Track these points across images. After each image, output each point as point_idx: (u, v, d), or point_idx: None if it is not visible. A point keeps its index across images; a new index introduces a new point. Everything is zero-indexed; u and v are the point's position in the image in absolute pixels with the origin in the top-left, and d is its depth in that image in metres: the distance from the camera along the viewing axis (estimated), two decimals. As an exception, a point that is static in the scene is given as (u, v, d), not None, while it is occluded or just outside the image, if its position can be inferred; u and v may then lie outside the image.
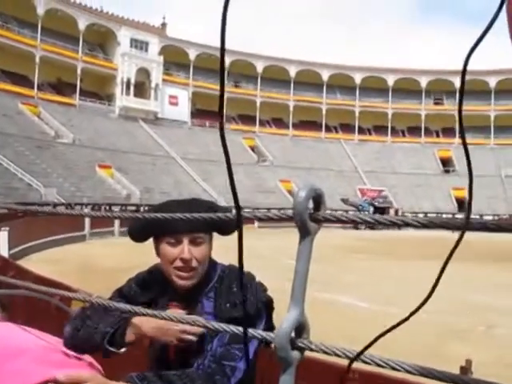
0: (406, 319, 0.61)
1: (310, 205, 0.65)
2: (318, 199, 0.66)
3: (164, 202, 1.72)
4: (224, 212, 1.54)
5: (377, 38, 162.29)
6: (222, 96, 0.54)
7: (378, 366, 0.59)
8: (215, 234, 1.70)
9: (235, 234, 1.93)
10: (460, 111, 0.54)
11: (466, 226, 0.54)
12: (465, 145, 0.57)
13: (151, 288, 1.72)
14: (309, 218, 0.64)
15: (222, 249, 2.58)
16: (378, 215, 0.62)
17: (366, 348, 0.60)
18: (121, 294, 1.74)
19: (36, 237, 17.71)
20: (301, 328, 0.66)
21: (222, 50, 0.51)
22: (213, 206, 1.68)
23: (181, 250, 1.59)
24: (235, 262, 1.75)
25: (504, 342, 7.67)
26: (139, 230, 1.69)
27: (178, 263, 1.59)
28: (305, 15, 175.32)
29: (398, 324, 0.61)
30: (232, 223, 1.68)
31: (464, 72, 0.53)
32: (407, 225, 0.61)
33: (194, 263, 1.59)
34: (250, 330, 0.72)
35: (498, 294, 11.56)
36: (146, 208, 27.60)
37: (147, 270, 1.80)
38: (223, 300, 1.60)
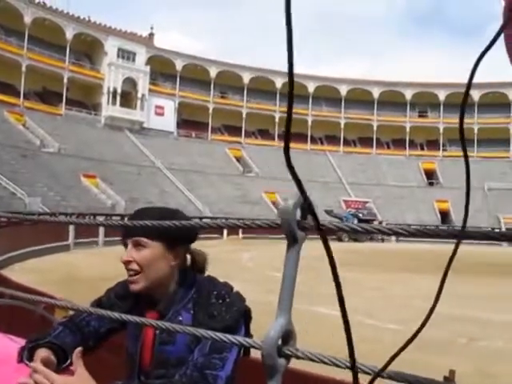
0: (415, 336, 0.61)
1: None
2: (306, 208, 0.66)
3: (135, 211, 1.75)
4: (182, 220, 1.54)
5: (363, 50, 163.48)
6: (289, 116, 0.52)
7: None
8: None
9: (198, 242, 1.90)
10: (461, 124, 0.53)
11: (461, 234, 0.53)
12: (466, 156, 0.56)
13: (128, 298, 1.73)
14: (297, 226, 0.65)
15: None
16: (374, 224, 0.63)
17: (389, 363, 0.59)
18: (99, 305, 1.75)
19: (19, 246, 17.48)
20: (288, 336, 0.67)
21: (291, 75, 0.49)
22: (168, 214, 1.67)
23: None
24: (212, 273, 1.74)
25: (485, 353, 7.69)
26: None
27: (125, 267, 1.63)
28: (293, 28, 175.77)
29: (409, 341, 0.61)
30: (192, 231, 1.68)
31: (469, 85, 0.52)
32: (396, 233, 0.61)
33: (134, 266, 1.61)
34: (238, 338, 0.73)
35: (478, 306, 11.56)
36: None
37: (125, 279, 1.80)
38: (201, 311, 1.60)
